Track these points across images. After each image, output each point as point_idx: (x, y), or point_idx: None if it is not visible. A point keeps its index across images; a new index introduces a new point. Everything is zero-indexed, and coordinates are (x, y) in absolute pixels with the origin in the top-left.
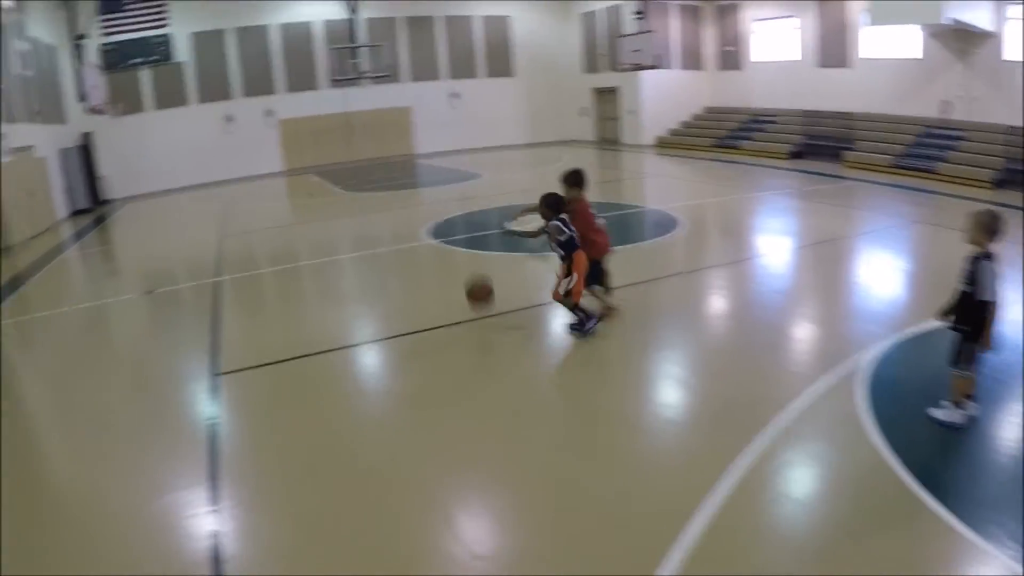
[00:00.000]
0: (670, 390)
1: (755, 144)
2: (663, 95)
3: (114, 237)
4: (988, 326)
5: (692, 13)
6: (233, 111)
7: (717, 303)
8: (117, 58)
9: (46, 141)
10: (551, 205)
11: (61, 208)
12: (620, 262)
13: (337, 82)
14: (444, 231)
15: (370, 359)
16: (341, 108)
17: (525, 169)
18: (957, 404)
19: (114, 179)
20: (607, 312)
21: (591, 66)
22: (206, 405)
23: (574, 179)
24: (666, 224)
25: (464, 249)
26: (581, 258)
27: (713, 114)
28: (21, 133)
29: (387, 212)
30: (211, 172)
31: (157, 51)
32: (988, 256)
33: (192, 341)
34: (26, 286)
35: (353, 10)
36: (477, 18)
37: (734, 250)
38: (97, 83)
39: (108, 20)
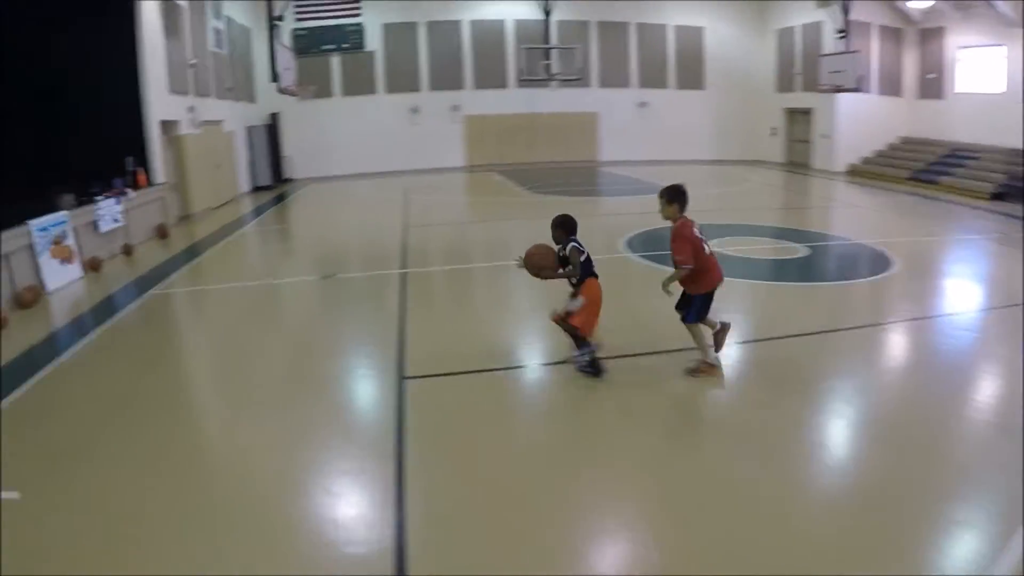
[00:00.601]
0: None
1: (954, 181)
2: (859, 120)
3: (293, 216)
4: None
5: (893, 36)
6: (419, 103)
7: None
8: (309, 43)
9: (235, 117)
10: (564, 225)
11: (244, 182)
12: (837, 301)
13: (526, 82)
14: (639, 245)
15: (564, 384)
16: (527, 109)
17: (713, 187)
18: None
19: (296, 159)
20: (715, 342)
21: (784, 85)
22: (393, 410)
23: (672, 195)
24: (878, 262)
25: (664, 267)
26: (593, 286)
27: (909, 144)
28: (212, 107)
29: (576, 219)
30: (393, 161)
31: (349, 39)
32: None
33: (375, 337)
34: (203, 256)
35: (547, 11)
36: (670, 27)
37: (957, 298)
38: (290, 65)
39: (303, 5)
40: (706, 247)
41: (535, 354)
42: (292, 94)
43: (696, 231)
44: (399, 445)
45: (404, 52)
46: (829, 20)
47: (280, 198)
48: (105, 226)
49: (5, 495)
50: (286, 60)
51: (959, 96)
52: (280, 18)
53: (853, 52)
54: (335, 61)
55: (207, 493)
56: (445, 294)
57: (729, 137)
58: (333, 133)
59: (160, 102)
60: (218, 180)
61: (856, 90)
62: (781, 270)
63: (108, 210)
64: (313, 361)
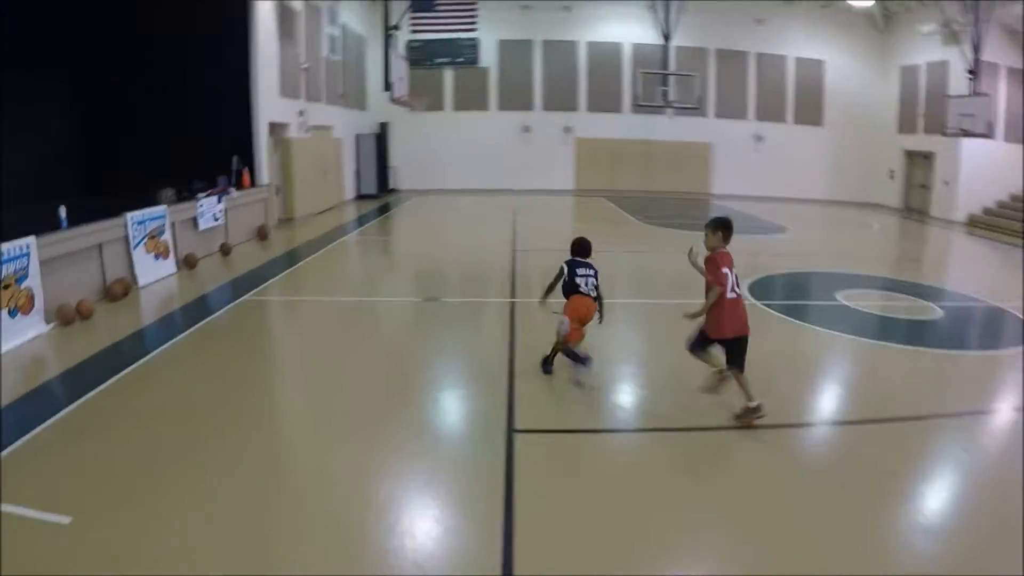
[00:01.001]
0: None
1: None
2: (983, 168)
3: (395, 228)
4: None
5: (1022, 78)
6: (531, 122)
7: None
8: (423, 55)
9: (345, 124)
10: (572, 247)
11: (349, 190)
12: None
13: (641, 107)
14: (764, 291)
15: (672, 451)
16: (641, 135)
17: (833, 230)
18: None
19: (403, 171)
20: (749, 409)
21: (906, 125)
22: (501, 465)
23: (718, 225)
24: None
25: (792, 319)
26: (573, 302)
27: None
28: (322, 113)
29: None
30: (500, 180)
31: (463, 53)
32: None
33: (484, 377)
34: (301, 263)
35: (666, 35)
36: (790, 59)
37: None
38: (403, 75)
39: (419, 18)
40: (735, 291)
41: (665, 410)
42: (404, 105)
43: (729, 269)
44: (508, 512)
45: (518, 70)
46: (956, 59)
47: (384, 208)
48: (205, 223)
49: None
50: (400, 70)
51: None
52: (396, 27)
53: (983, 95)
54: (448, 75)
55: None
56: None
57: (845, 177)
58: (441, 147)
59: (270, 104)
60: (323, 186)
61: (985, 136)
62: (914, 332)
63: (209, 207)
64: (407, 404)
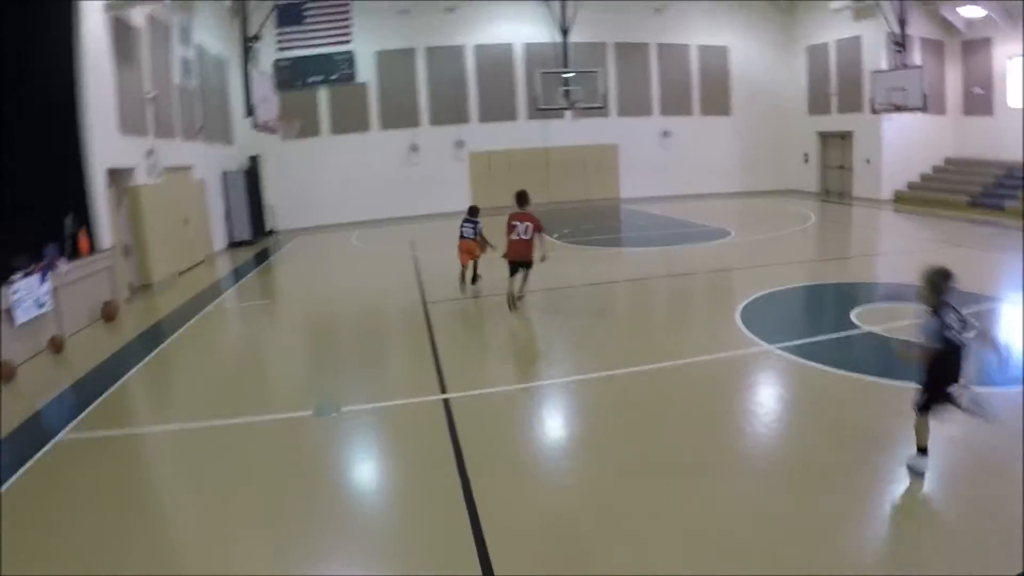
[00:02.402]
0: None
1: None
2: (905, 143)
3: (275, 284)
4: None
5: (935, 49)
6: (419, 140)
7: None
8: (293, 75)
9: (207, 162)
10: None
11: (219, 238)
12: None
13: (540, 112)
14: (764, 322)
15: None
16: (540, 143)
17: (775, 227)
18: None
19: (281, 208)
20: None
21: (817, 106)
22: None
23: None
24: None
25: (820, 366)
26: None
27: (957, 166)
28: (178, 151)
29: (648, 284)
30: (390, 207)
31: (338, 69)
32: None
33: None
34: (152, 358)
35: (564, 29)
36: (693, 47)
37: None
38: (269, 96)
39: (286, 33)
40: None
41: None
42: (271, 131)
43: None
44: None
45: (400, 82)
46: (869, 34)
47: (261, 257)
48: (24, 314)
49: None
50: (264, 90)
51: (1012, 111)
52: (256, 38)
53: (917, 67)
54: (323, 95)
55: None
56: (533, 463)
57: (758, 166)
58: (321, 177)
59: (108, 145)
60: (185, 238)
61: (921, 109)
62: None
63: (29, 291)
64: None
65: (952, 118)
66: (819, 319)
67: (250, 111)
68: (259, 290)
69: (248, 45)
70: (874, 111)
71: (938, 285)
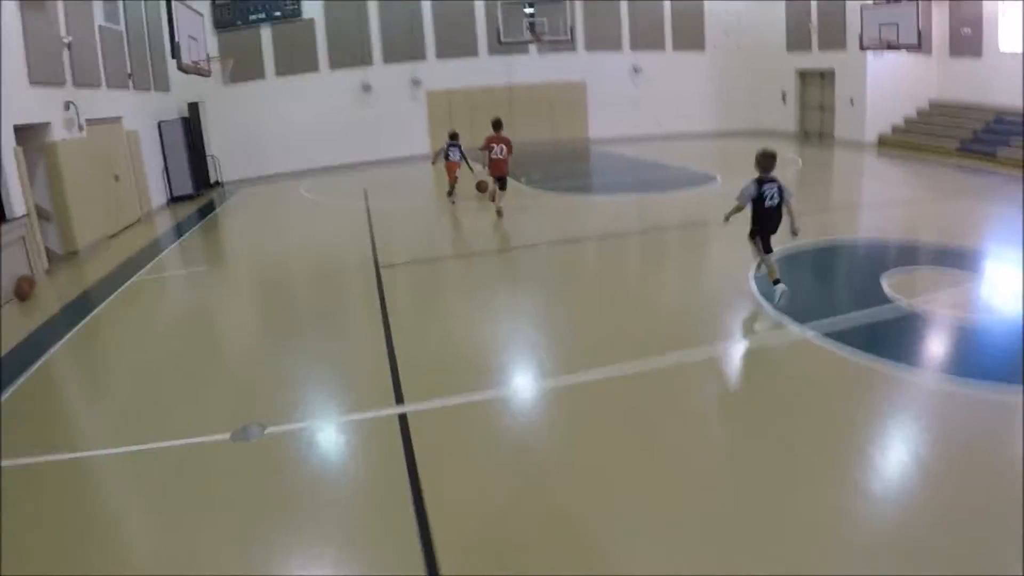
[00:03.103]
0: None
1: (1014, 153)
2: (890, 84)
3: (214, 244)
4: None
5: None
6: (372, 79)
7: None
8: (233, 14)
9: (140, 111)
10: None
11: (157, 194)
12: None
13: (504, 46)
14: (796, 301)
15: None
16: (502, 80)
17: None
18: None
19: (225, 159)
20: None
21: (796, 42)
22: None
23: (495, 123)
24: None
25: (907, 372)
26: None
27: (942, 110)
28: (104, 101)
29: (634, 241)
30: (343, 152)
31: (281, 6)
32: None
33: None
34: (60, 347)
35: None
36: None
37: None
38: (196, 33)
39: None
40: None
41: None
42: (201, 73)
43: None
44: None
45: (350, 18)
46: None
47: (204, 212)
48: None
49: None
50: (192, 28)
51: (1004, 56)
52: None
53: (912, 1)
54: (266, 34)
55: None
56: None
57: (733, 105)
58: (268, 124)
59: (16, 98)
60: (117, 196)
61: (915, 47)
62: None
63: None
64: None
65: (937, 59)
66: (848, 289)
67: (174, 52)
68: (192, 255)
69: None
70: (863, 48)
71: (762, 163)
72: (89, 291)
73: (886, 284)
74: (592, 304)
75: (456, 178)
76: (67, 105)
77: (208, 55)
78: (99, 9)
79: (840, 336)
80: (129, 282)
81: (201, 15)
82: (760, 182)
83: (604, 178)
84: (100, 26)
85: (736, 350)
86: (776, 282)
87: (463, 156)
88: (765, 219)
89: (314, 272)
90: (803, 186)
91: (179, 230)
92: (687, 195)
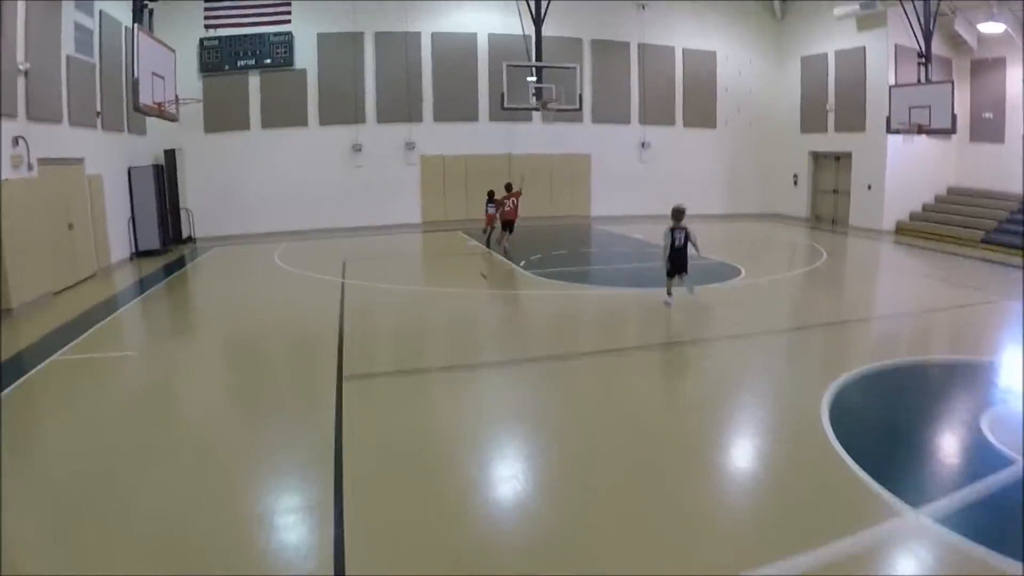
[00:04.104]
0: None
1: None
2: (909, 168)
3: (157, 319)
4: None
5: (941, 68)
6: (363, 139)
7: None
8: (221, 57)
9: (106, 154)
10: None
11: (119, 247)
12: None
13: (506, 112)
14: (876, 450)
15: None
16: (502, 148)
17: (786, 263)
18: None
19: (201, 213)
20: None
21: (811, 123)
22: None
23: (507, 187)
24: None
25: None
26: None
27: (962, 197)
28: (64, 139)
29: (665, 355)
30: (327, 216)
31: (273, 52)
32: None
33: None
34: None
35: (537, 20)
36: (678, 50)
37: None
38: (164, 70)
39: (215, 9)
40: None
41: None
42: (165, 116)
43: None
44: None
45: (344, 72)
46: (876, 44)
47: (166, 272)
48: None
49: None
50: (158, 62)
51: None
52: None
53: (944, 82)
54: (254, 82)
55: None
56: None
57: (743, 186)
58: (249, 178)
59: None
60: (70, 248)
61: (949, 131)
62: None
63: None
64: None
65: (957, 143)
66: (947, 443)
67: (134, 89)
68: (130, 329)
69: (143, 3)
70: (890, 131)
71: (674, 216)
72: (19, 355)
73: (988, 429)
74: (672, 475)
75: (493, 226)
76: (15, 140)
77: (177, 97)
78: (69, 38)
79: (961, 523)
80: (46, 362)
81: (172, 51)
82: (672, 229)
83: (615, 263)
84: (69, 56)
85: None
86: (669, 294)
87: (493, 210)
88: (675, 256)
89: (258, 386)
90: (836, 283)
91: (131, 293)
92: (715, 292)
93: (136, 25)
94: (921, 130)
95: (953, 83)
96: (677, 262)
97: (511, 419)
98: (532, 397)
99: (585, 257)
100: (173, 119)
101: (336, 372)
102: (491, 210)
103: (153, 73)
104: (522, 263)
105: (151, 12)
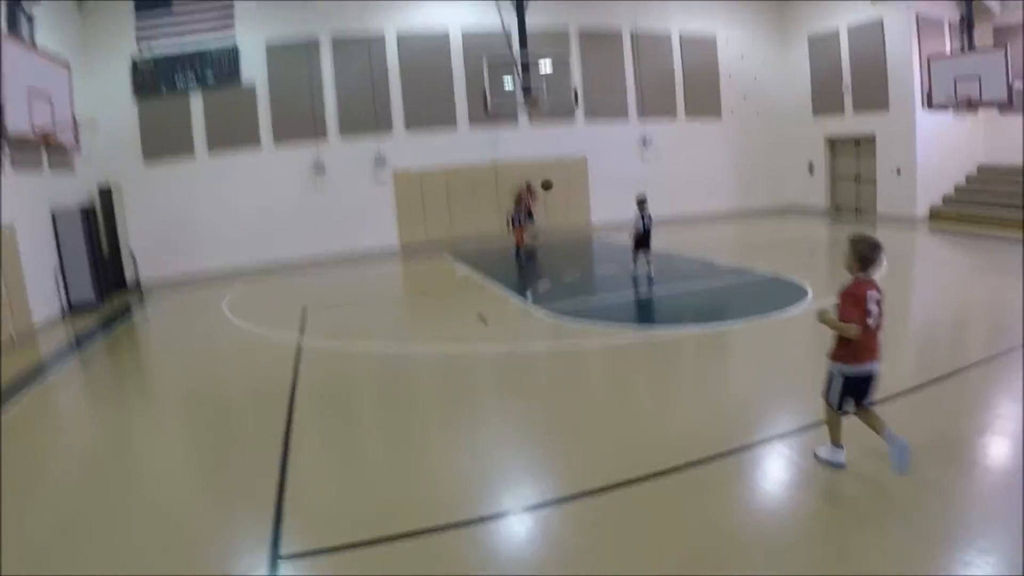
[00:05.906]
0: None
1: None
2: (939, 148)
3: (123, 384)
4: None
5: (966, 35)
6: (325, 157)
7: None
8: (159, 79)
9: (22, 199)
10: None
11: (44, 304)
12: None
13: (489, 116)
14: None
15: None
16: (486, 155)
17: (840, 265)
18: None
19: (148, 254)
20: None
21: (825, 105)
22: None
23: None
24: None
25: None
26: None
27: (993, 175)
28: None
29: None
30: (289, 246)
31: (217, 68)
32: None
33: None
34: None
35: (520, 10)
36: (675, 36)
37: None
38: (56, 87)
39: (148, 23)
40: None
41: None
42: (50, 142)
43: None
44: None
45: (300, 84)
46: (896, 17)
47: (108, 323)
48: None
49: None
50: (44, 78)
51: None
52: None
53: (996, 49)
54: (196, 103)
55: None
56: None
57: (753, 178)
58: (199, 211)
59: None
60: None
61: (1006, 105)
62: None
63: None
64: None
65: (984, 117)
66: None
67: None
68: (83, 403)
69: (17, 8)
70: (931, 107)
71: (640, 203)
72: None
73: None
74: None
75: (523, 239)
76: None
77: (76, 119)
78: None
79: None
80: None
81: (66, 65)
82: (643, 216)
83: (640, 285)
84: None
85: None
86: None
87: (523, 221)
88: (644, 235)
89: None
90: (937, 287)
91: (63, 356)
92: (786, 325)
93: (15, 31)
94: (971, 104)
95: (1007, 48)
96: (644, 241)
97: None
98: None
99: (606, 280)
100: (73, 149)
101: (270, 548)
102: (517, 221)
103: (32, 92)
104: (527, 294)
105: (30, 20)
